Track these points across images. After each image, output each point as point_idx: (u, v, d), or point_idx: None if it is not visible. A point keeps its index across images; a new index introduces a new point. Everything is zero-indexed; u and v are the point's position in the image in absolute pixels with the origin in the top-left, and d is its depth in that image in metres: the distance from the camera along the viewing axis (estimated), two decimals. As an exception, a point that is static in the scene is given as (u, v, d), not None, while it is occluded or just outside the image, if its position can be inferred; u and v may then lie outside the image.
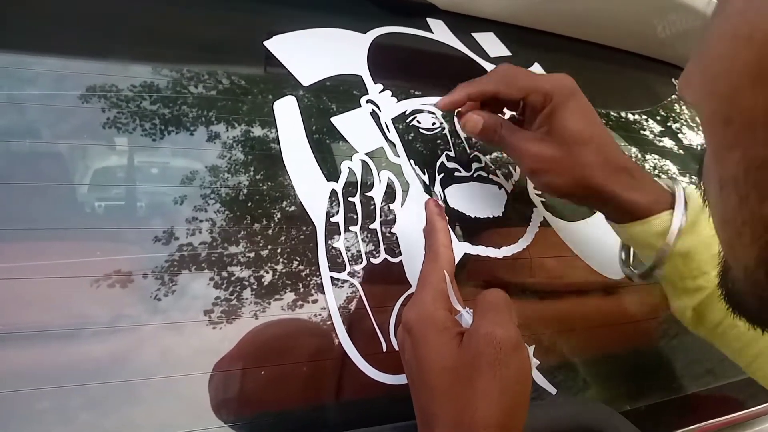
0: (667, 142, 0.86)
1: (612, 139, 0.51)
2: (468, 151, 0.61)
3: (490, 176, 0.61)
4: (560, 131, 0.49)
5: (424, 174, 0.57)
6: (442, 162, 0.59)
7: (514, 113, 0.57)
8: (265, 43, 0.56)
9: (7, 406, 0.37)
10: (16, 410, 0.38)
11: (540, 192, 0.63)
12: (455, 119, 0.62)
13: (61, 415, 0.39)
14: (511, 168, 0.63)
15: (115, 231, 0.45)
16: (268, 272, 0.47)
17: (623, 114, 0.85)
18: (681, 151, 0.87)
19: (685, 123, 0.92)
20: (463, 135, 0.62)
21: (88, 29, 0.51)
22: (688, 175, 0.84)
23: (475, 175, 0.60)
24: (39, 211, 0.43)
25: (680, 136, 0.90)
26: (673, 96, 0.93)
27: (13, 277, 0.40)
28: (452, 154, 0.60)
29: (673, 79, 0.94)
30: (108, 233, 0.45)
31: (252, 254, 0.47)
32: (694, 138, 0.91)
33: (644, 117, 0.87)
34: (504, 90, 0.51)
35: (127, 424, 0.40)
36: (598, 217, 0.56)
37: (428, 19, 0.68)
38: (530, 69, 0.73)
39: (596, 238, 0.62)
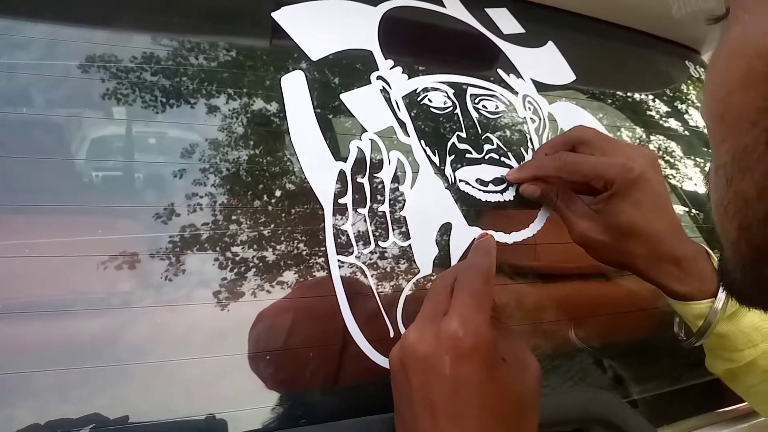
0: (675, 124, 0.85)
1: (671, 225, 0.51)
2: (480, 132, 0.59)
3: (502, 158, 0.59)
4: (612, 219, 0.50)
5: (435, 155, 0.55)
6: (453, 143, 0.57)
7: None
8: (273, 14, 0.53)
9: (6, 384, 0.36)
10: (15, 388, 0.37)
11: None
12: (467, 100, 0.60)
13: (53, 392, 0.38)
14: (522, 150, 0.61)
15: (115, 207, 0.44)
16: (273, 254, 0.46)
17: (635, 95, 0.83)
18: (688, 134, 0.85)
19: (696, 105, 0.90)
20: (475, 115, 0.60)
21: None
22: (694, 157, 0.82)
23: (486, 157, 0.58)
24: (35, 184, 0.41)
25: (688, 117, 0.88)
26: (687, 78, 0.91)
27: (10, 255, 0.38)
28: (463, 135, 0.58)
29: (686, 61, 0.91)
30: (107, 209, 0.43)
31: (256, 235, 0.46)
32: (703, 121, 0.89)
33: (655, 98, 0.85)
34: (566, 177, 0.53)
35: (120, 404, 0.39)
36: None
37: (441, -8, 0.66)
38: (543, 48, 0.72)
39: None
